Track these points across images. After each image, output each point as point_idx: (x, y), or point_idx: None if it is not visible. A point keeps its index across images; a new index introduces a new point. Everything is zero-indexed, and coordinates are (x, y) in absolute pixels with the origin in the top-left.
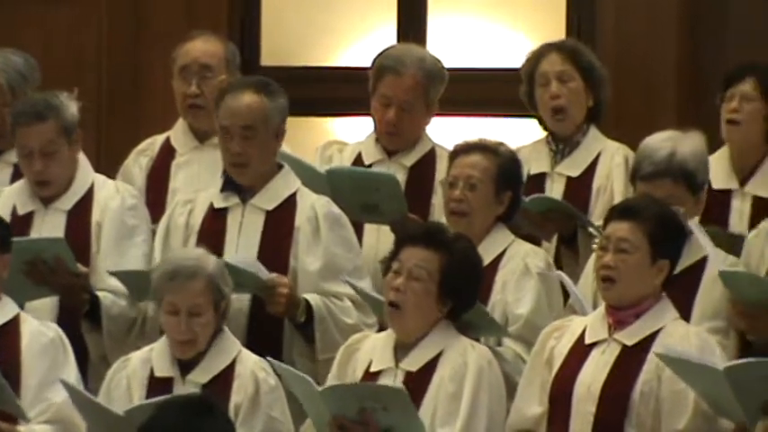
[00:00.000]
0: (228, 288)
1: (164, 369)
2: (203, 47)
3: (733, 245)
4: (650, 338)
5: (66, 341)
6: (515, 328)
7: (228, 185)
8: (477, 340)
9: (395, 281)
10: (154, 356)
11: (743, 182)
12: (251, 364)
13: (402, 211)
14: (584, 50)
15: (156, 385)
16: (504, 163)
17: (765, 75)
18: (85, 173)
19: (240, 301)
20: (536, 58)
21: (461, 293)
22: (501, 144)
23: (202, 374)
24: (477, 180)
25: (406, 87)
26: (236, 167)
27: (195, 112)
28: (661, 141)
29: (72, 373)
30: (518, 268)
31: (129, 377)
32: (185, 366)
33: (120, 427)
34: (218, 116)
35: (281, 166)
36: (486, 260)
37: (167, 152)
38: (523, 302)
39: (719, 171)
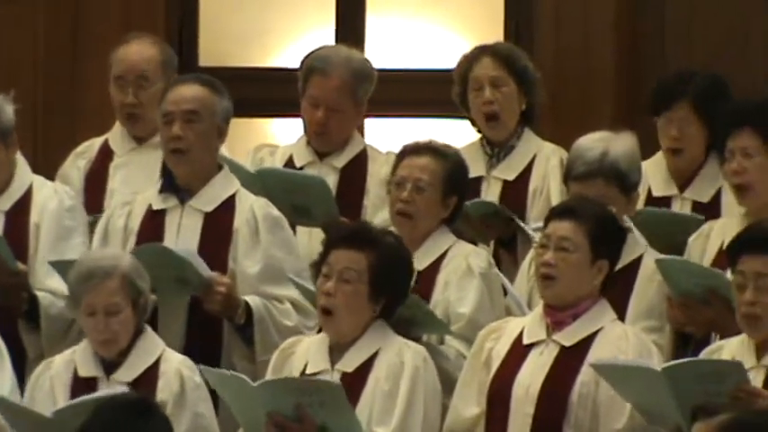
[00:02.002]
0: (146, 284)
1: (88, 369)
2: (139, 55)
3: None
4: (588, 339)
5: (3, 347)
6: (458, 327)
7: (167, 186)
8: (419, 339)
9: (325, 285)
10: (77, 357)
11: (682, 188)
12: (176, 363)
13: (332, 214)
14: (518, 54)
15: (81, 385)
16: (453, 167)
17: (698, 93)
18: (24, 174)
19: (179, 303)
20: (469, 61)
21: (392, 289)
22: (450, 147)
23: (127, 373)
24: (426, 183)
25: (332, 87)
26: (175, 154)
27: (133, 121)
28: (593, 142)
29: (6, 383)
30: (460, 268)
31: (53, 378)
32: (109, 366)
33: (48, 430)
34: (162, 104)
35: (220, 167)
36: (428, 260)
37: (105, 154)
38: (466, 301)
39: (658, 178)
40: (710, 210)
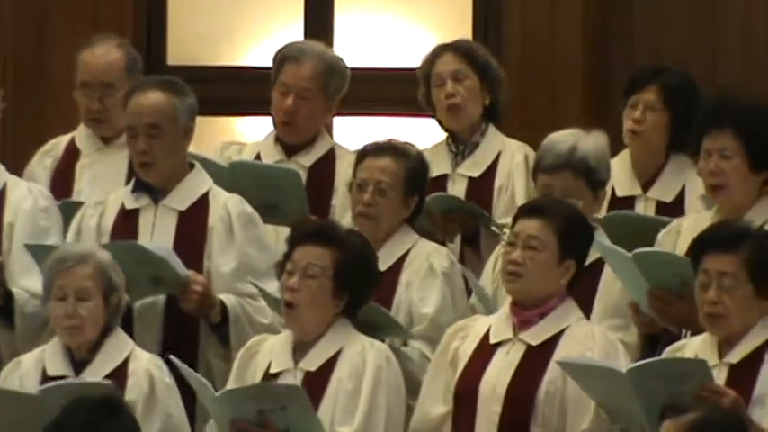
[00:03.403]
0: (120, 281)
1: (57, 368)
2: (103, 61)
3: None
4: (555, 338)
5: None
6: (421, 328)
7: (139, 186)
8: (383, 341)
9: (289, 280)
10: (46, 356)
11: (645, 187)
12: (145, 362)
13: (302, 211)
14: (479, 49)
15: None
16: (414, 167)
17: (668, 83)
18: None
19: (155, 301)
20: (431, 59)
21: (356, 288)
22: (410, 146)
23: (95, 372)
24: (387, 186)
25: (305, 75)
26: (142, 167)
27: (98, 124)
28: (564, 136)
29: None
30: (422, 268)
31: (22, 378)
32: (78, 365)
33: (31, 407)
34: (126, 115)
35: (192, 166)
36: (391, 260)
37: (72, 153)
38: (428, 302)
39: (622, 178)
40: (674, 209)
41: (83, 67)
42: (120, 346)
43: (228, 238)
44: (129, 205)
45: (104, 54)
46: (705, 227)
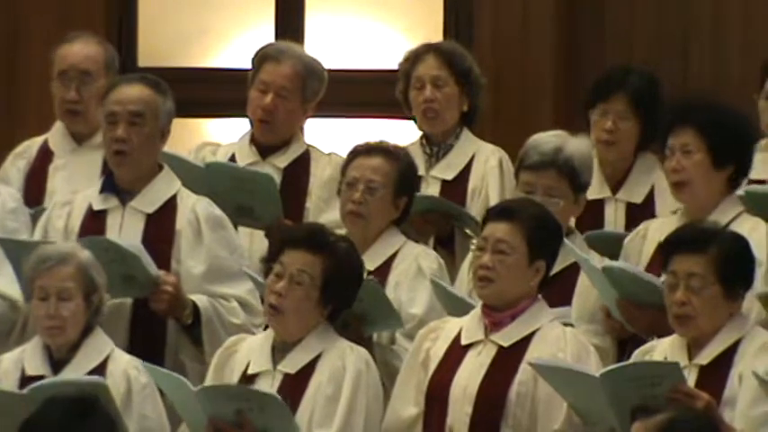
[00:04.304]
0: (102, 281)
1: (36, 368)
2: (82, 51)
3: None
4: (526, 340)
5: None
6: (409, 328)
7: (107, 186)
8: (370, 338)
9: (277, 284)
10: (26, 356)
11: (614, 189)
12: (123, 363)
13: (277, 214)
14: (463, 55)
15: (29, 384)
16: (404, 168)
17: (636, 89)
18: None
19: (122, 302)
20: (413, 59)
21: (342, 296)
22: (401, 148)
23: (74, 372)
24: (379, 184)
25: (284, 74)
26: (117, 155)
27: (73, 117)
28: (550, 136)
29: None
30: (411, 269)
31: (0, 378)
32: (57, 364)
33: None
34: (106, 104)
35: (161, 167)
36: (379, 261)
37: (45, 155)
38: (417, 302)
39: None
40: (644, 210)
41: (60, 59)
42: (99, 347)
43: (197, 240)
44: (97, 206)
45: (84, 46)
46: (671, 230)
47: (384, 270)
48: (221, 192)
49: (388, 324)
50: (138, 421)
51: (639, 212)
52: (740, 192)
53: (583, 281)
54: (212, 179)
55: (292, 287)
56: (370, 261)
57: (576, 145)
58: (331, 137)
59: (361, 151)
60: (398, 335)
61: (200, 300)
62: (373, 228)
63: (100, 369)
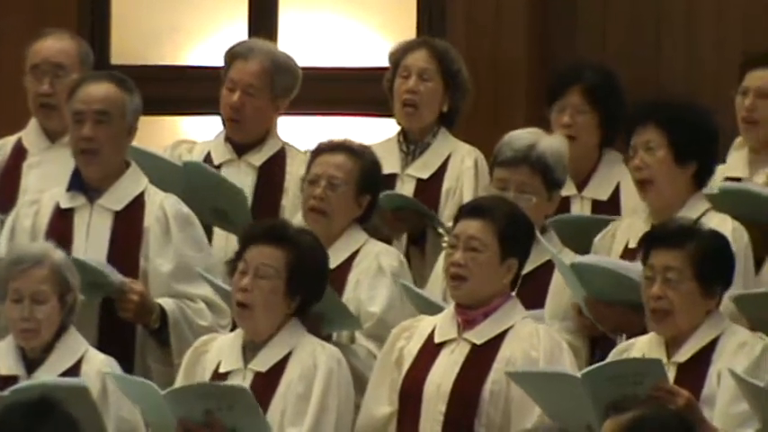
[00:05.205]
0: (76, 281)
1: (9, 367)
2: (56, 45)
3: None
4: (499, 337)
5: None
6: (368, 327)
7: (74, 185)
8: (330, 337)
9: (242, 281)
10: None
11: (580, 187)
12: (98, 363)
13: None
14: (456, 56)
15: (1, 384)
16: (367, 166)
17: (590, 82)
18: None
19: (90, 304)
20: (405, 49)
21: (309, 287)
22: (365, 147)
23: (48, 372)
24: (341, 181)
25: (251, 72)
26: (85, 154)
27: (47, 111)
28: (524, 133)
29: None
30: (371, 267)
31: None
32: (31, 364)
33: None
34: (72, 102)
35: (128, 165)
36: (340, 259)
37: (19, 152)
38: (377, 300)
39: None
40: (610, 207)
41: (34, 53)
42: (74, 347)
43: (165, 238)
44: (64, 204)
45: (58, 40)
46: (638, 229)
47: (345, 268)
48: (199, 191)
49: (346, 325)
50: (116, 422)
51: (605, 209)
52: (714, 189)
53: (557, 278)
54: (190, 178)
55: (257, 281)
56: (332, 259)
57: (550, 142)
58: (306, 135)
59: (324, 149)
60: (358, 334)
61: (166, 303)
62: (335, 225)
63: (74, 369)
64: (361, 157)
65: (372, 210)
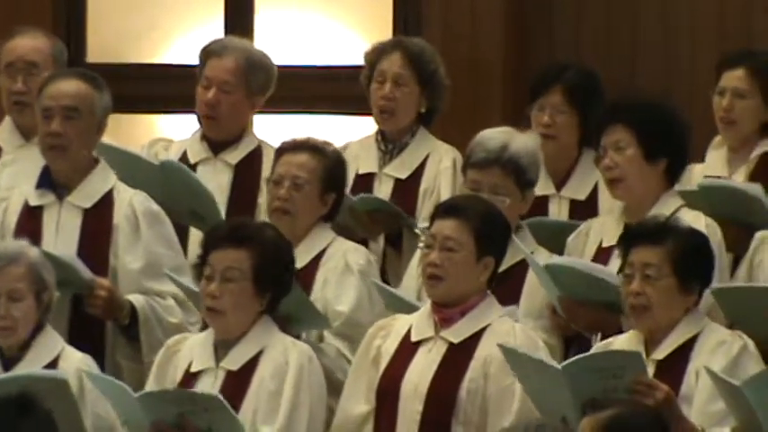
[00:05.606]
0: (52, 279)
1: None
2: (30, 44)
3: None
4: (476, 336)
5: None
6: (337, 325)
7: (43, 182)
8: (298, 337)
9: (209, 287)
10: None
11: (558, 186)
12: (75, 361)
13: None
14: (431, 56)
15: None
16: (331, 165)
17: (571, 82)
18: None
19: (61, 301)
20: (380, 52)
21: (277, 282)
22: (328, 144)
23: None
24: (304, 181)
25: (226, 68)
26: (53, 150)
27: (20, 108)
28: (496, 133)
29: None
30: (339, 266)
31: None
32: (7, 363)
33: None
34: (41, 99)
35: (97, 162)
36: (307, 258)
37: None
38: (344, 299)
39: None
40: (588, 207)
41: (8, 51)
42: (50, 345)
43: (135, 236)
44: (34, 202)
45: (32, 39)
46: (611, 228)
47: (312, 267)
48: (177, 191)
49: (315, 324)
50: (93, 420)
51: (583, 209)
52: (692, 186)
53: (532, 277)
54: (167, 178)
55: (224, 286)
56: (299, 258)
57: (523, 141)
58: (282, 133)
59: (287, 148)
60: (326, 333)
61: (136, 300)
62: (301, 225)
63: (51, 367)
64: (325, 155)
65: (338, 207)
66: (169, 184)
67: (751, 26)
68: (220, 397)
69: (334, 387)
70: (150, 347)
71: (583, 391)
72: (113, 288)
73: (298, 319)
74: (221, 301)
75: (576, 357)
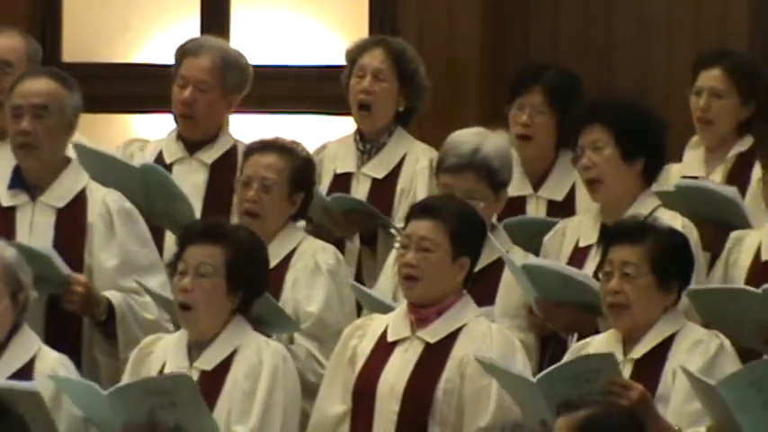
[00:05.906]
0: (28, 280)
1: None
2: (4, 42)
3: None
4: (452, 336)
5: None
6: (306, 326)
7: (16, 182)
8: (270, 338)
9: (182, 281)
10: None
11: (536, 186)
12: (51, 361)
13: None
14: (412, 56)
15: None
16: (299, 164)
17: (552, 83)
18: None
19: (37, 300)
20: (361, 48)
21: (250, 281)
22: (296, 144)
23: (1, 371)
24: (273, 182)
25: (202, 67)
26: (23, 149)
27: None
28: (467, 135)
29: None
30: (308, 266)
31: None
32: None
33: None
34: (11, 98)
35: (68, 161)
36: (277, 258)
37: None
38: (314, 300)
39: (513, 177)
40: (565, 207)
41: None
42: (26, 345)
43: (109, 234)
44: (6, 203)
45: (7, 38)
46: (588, 228)
47: (282, 268)
48: (157, 194)
49: (284, 327)
50: (68, 421)
51: (560, 210)
52: (668, 186)
53: (507, 276)
54: (148, 180)
55: (197, 280)
56: (269, 260)
57: (494, 143)
58: (258, 133)
59: (255, 148)
60: (297, 334)
61: (113, 296)
62: (270, 226)
63: (27, 368)
64: (293, 154)
65: (307, 207)
66: (147, 188)
67: (727, 26)
68: (189, 375)
69: (307, 389)
70: (127, 344)
71: (558, 398)
72: (90, 284)
73: (268, 322)
74: (193, 296)
75: (550, 369)
